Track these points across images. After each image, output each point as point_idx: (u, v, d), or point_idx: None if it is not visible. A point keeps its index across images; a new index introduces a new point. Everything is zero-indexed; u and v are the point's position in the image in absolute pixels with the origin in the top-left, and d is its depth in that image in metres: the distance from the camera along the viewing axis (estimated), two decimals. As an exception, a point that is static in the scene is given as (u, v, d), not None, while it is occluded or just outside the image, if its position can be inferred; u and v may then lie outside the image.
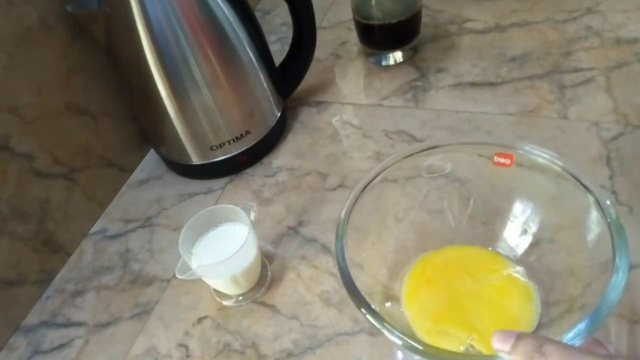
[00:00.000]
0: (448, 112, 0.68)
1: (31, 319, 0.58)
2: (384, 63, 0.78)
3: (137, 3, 0.54)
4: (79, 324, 0.57)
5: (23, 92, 0.56)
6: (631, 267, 0.48)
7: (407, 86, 0.74)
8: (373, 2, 0.73)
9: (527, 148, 0.44)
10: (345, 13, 0.89)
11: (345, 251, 0.41)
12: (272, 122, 0.69)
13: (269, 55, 0.68)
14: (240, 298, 0.54)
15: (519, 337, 0.32)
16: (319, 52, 0.79)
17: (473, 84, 0.71)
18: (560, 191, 0.44)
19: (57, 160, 0.61)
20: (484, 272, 0.47)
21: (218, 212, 0.53)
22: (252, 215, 0.52)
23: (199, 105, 0.61)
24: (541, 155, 0.44)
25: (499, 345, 0.32)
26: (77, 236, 0.65)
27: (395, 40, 0.76)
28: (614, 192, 0.55)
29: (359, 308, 0.37)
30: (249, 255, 0.51)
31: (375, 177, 0.46)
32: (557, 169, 0.43)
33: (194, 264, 0.50)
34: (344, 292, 0.39)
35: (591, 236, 0.41)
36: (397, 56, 0.78)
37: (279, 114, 0.70)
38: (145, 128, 0.69)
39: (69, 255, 0.64)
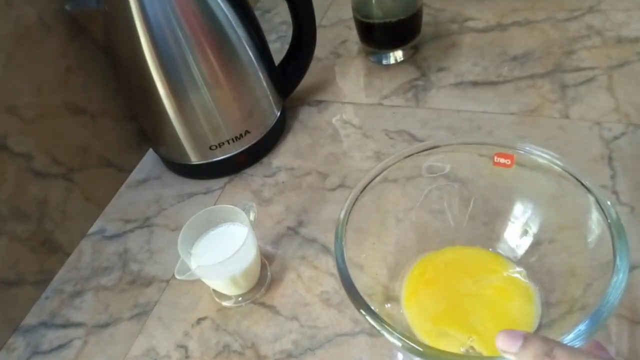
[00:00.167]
0: (449, 112, 0.68)
1: (30, 320, 0.58)
2: (384, 62, 0.78)
3: (136, 2, 0.53)
4: (77, 325, 0.56)
5: (22, 92, 0.56)
6: (632, 268, 0.48)
7: (407, 85, 0.74)
8: (373, 1, 0.72)
9: (527, 148, 0.44)
10: (346, 11, 0.89)
11: (345, 252, 0.41)
12: (271, 121, 0.69)
13: (268, 54, 0.68)
14: (240, 299, 0.54)
15: (527, 339, 0.30)
16: (319, 51, 0.79)
17: (474, 83, 0.71)
18: (561, 191, 0.43)
19: (55, 160, 0.61)
20: (484, 273, 0.47)
21: (217, 212, 0.53)
22: (252, 216, 0.52)
23: (198, 105, 0.61)
24: (542, 156, 0.43)
25: (506, 346, 0.31)
26: (76, 236, 0.65)
27: (395, 39, 0.76)
28: (615, 192, 0.54)
29: (358, 309, 0.37)
30: (249, 255, 0.50)
31: (375, 177, 0.46)
32: (558, 169, 0.43)
33: (193, 264, 0.50)
34: (344, 292, 0.39)
35: (592, 237, 0.41)
36: (397, 55, 0.77)
37: (279, 114, 0.70)
38: (144, 127, 0.69)
39: (68, 255, 0.63)
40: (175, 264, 0.48)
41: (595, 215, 0.40)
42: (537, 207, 0.47)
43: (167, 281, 0.58)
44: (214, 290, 0.55)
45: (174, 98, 0.60)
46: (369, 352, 0.48)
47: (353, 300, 0.38)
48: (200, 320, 0.54)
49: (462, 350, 0.42)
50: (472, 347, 0.42)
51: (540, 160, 0.44)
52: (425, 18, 0.80)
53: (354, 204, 0.44)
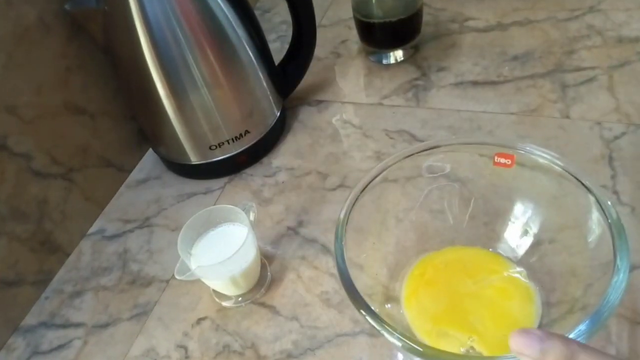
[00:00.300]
0: (449, 112, 0.68)
1: (30, 320, 0.58)
2: (384, 62, 0.78)
3: (135, 2, 0.53)
4: (77, 325, 0.56)
5: (21, 92, 0.56)
6: (632, 268, 0.47)
7: (408, 85, 0.74)
8: (373, 1, 0.72)
9: (528, 148, 0.44)
10: (346, 11, 0.89)
11: (345, 252, 0.41)
12: (271, 121, 0.69)
13: (268, 54, 0.68)
14: (240, 299, 0.54)
15: (546, 341, 0.27)
16: (319, 51, 0.79)
17: (474, 83, 0.71)
18: (561, 191, 0.43)
19: (55, 160, 0.61)
20: (484, 273, 0.47)
21: (217, 213, 0.53)
22: (252, 216, 0.52)
23: (198, 105, 0.61)
24: (542, 156, 0.43)
25: (522, 348, 0.28)
26: (76, 236, 0.65)
27: (396, 39, 0.76)
28: (615, 192, 0.54)
29: (358, 309, 0.37)
30: (249, 255, 0.50)
31: (375, 177, 0.46)
32: (558, 169, 0.43)
33: (193, 264, 0.50)
34: (344, 292, 0.39)
35: (592, 237, 0.40)
36: (397, 55, 0.77)
37: (279, 114, 0.70)
38: (144, 127, 0.69)
39: (67, 255, 0.63)
40: (175, 264, 0.48)
41: (595, 215, 0.40)
42: (537, 207, 0.47)
43: (167, 281, 0.58)
44: (213, 291, 0.55)
45: (174, 98, 0.59)
46: (369, 352, 0.48)
47: (353, 300, 0.38)
48: (200, 320, 0.54)
49: (462, 350, 0.42)
50: (472, 347, 0.42)
51: (541, 160, 0.44)
52: (426, 18, 0.79)
53: (354, 204, 0.44)
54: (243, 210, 0.51)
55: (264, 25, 0.68)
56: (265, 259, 0.57)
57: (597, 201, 0.39)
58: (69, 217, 0.63)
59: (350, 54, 0.82)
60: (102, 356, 0.53)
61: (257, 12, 0.87)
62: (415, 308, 0.46)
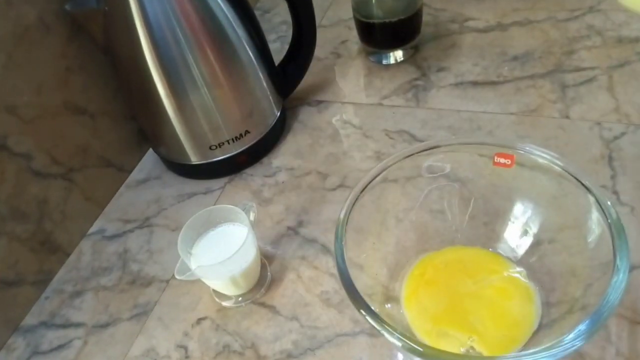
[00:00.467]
0: (449, 112, 0.68)
1: (30, 320, 0.58)
2: (384, 62, 0.78)
3: (136, 2, 0.53)
4: (77, 325, 0.56)
5: (21, 92, 0.56)
6: (632, 268, 0.48)
7: (407, 85, 0.74)
8: (373, 1, 0.72)
9: (527, 148, 0.44)
10: (346, 11, 0.89)
11: (345, 252, 0.41)
12: (271, 121, 0.69)
13: (268, 54, 0.68)
14: (240, 299, 0.54)
15: None
16: (319, 51, 0.79)
17: (474, 83, 0.71)
18: (561, 191, 0.43)
19: (55, 160, 0.61)
20: (484, 273, 0.47)
21: (217, 213, 0.53)
22: (252, 216, 0.52)
23: (198, 105, 0.61)
24: (542, 156, 0.43)
25: None
26: (76, 236, 0.65)
27: (395, 39, 0.76)
28: (615, 192, 0.54)
29: (358, 309, 0.37)
30: (249, 255, 0.50)
31: (375, 177, 0.46)
32: (558, 169, 0.43)
33: (193, 264, 0.50)
34: (344, 292, 0.39)
35: (592, 237, 0.41)
36: (397, 55, 0.77)
37: (279, 114, 0.70)
38: (144, 127, 0.69)
39: (68, 255, 0.63)
40: (175, 264, 0.48)
41: (595, 215, 0.40)
42: (537, 207, 0.47)
43: (167, 281, 0.58)
44: (214, 290, 0.55)
45: (174, 98, 0.60)
46: (369, 352, 0.48)
47: (353, 300, 0.38)
48: (200, 320, 0.54)
49: (462, 350, 0.42)
50: (472, 347, 0.42)
51: (541, 160, 0.44)
52: (425, 18, 0.80)
53: (354, 204, 0.44)
54: (243, 210, 0.51)
55: (264, 26, 0.68)
56: (265, 259, 0.57)
57: (597, 201, 0.40)
58: (69, 217, 0.63)
59: (350, 54, 0.82)
60: (102, 356, 0.53)
61: (257, 13, 0.87)
62: (415, 308, 0.46)
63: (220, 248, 0.51)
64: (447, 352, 0.35)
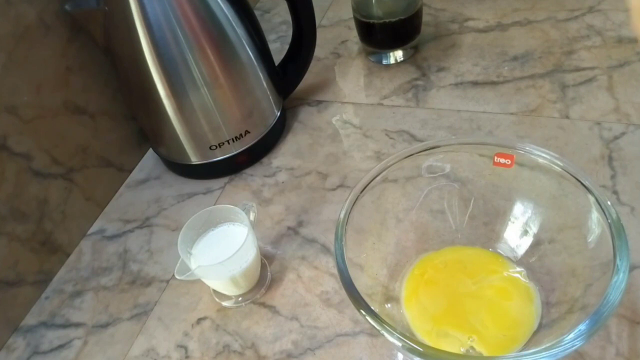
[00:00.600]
0: (449, 112, 0.68)
1: (30, 320, 0.58)
2: (384, 62, 0.78)
3: (135, 2, 0.53)
4: (77, 325, 0.56)
5: (21, 92, 0.56)
6: (632, 268, 0.48)
7: (407, 85, 0.74)
8: (373, 1, 0.72)
9: (527, 148, 0.44)
10: (346, 11, 0.89)
11: (345, 252, 0.41)
12: (271, 121, 0.69)
13: (268, 54, 0.68)
14: (240, 299, 0.54)
15: None
16: (319, 51, 0.79)
17: (474, 83, 0.71)
18: (561, 191, 0.43)
19: (55, 160, 0.61)
20: (484, 273, 0.47)
21: (217, 213, 0.53)
22: (252, 216, 0.52)
23: (198, 105, 0.61)
24: (542, 156, 0.43)
25: None
26: (76, 236, 0.65)
27: (395, 39, 0.76)
28: (615, 192, 0.54)
29: (358, 309, 0.37)
30: (249, 255, 0.50)
31: (375, 177, 0.46)
32: (558, 169, 0.43)
33: (193, 264, 0.50)
34: (344, 292, 0.39)
35: (592, 237, 0.41)
36: (397, 55, 0.77)
37: (279, 114, 0.70)
38: (144, 127, 0.69)
39: (68, 255, 0.63)
40: (175, 264, 0.48)
41: (595, 215, 0.40)
42: (537, 207, 0.47)
43: (167, 281, 0.58)
44: (214, 291, 0.55)
45: (173, 98, 0.60)
46: (369, 352, 0.48)
47: (353, 300, 0.38)
48: (200, 320, 0.54)
49: (462, 350, 0.42)
50: (472, 347, 0.42)
51: (540, 160, 0.44)
52: (425, 18, 0.80)
53: (354, 204, 0.44)
54: (243, 210, 0.51)
55: (264, 26, 0.68)
56: (265, 259, 0.57)
57: (597, 201, 0.40)
58: (69, 217, 0.63)
59: (350, 54, 0.82)
60: (102, 356, 0.53)
61: (257, 13, 0.87)
62: (415, 308, 0.46)
63: (220, 248, 0.51)
64: (447, 352, 0.35)
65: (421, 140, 0.66)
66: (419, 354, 0.35)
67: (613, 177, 0.56)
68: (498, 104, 0.67)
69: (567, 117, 0.63)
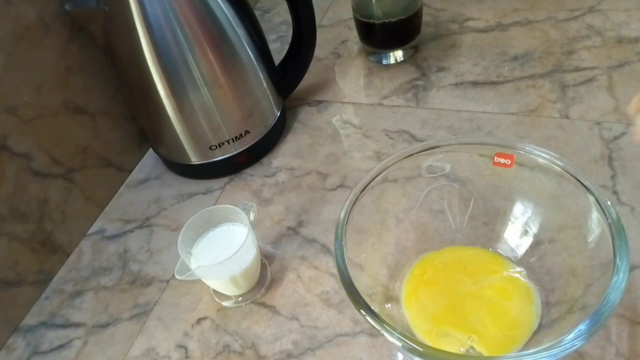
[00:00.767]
0: (449, 112, 0.68)
1: (30, 320, 0.58)
2: (384, 62, 0.78)
3: (135, 2, 0.53)
4: (77, 325, 0.56)
5: (21, 92, 0.56)
6: (632, 268, 0.48)
7: (407, 85, 0.74)
8: (373, 1, 0.72)
9: (527, 148, 0.44)
10: (346, 11, 0.89)
11: (345, 252, 0.41)
12: (271, 121, 0.69)
13: (268, 54, 0.68)
14: (240, 299, 0.54)
15: None
16: (319, 51, 0.79)
17: (474, 83, 0.71)
18: (561, 191, 0.43)
19: (55, 160, 0.61)
20: (484, 273, 0.47)
21: (217, 213, 0.53)
22: (252, 216, 0.52)
23: (198, 105, 0.61)
24: (542, 156, 0.43)
25: None
26: (76, 236, 0.65)
27: (396, 39, 0.76)
28: (615, 192, 0.54)
29: (358, 309, 0.37)
30: (249, 255, 0.50)
31: (375, 177, 0.46)
32: (558, 169, 0.43)
33: (193, 264, 0.50)
34: (344, 292, 0.39)
35: (592, 237, 0.41)
36: (397, 55, 0.77)
37: (279, 114, 0.70)
38: (144, 127, 0.69)
39: (68, 255, 0.63)
40: (175, 264, 0.48)
41: (595, 215, 0.40)
42: (537, 207, 0.47)
43: (167, 281, 0.58)
44: (214, 291, 0.55)
45: (173, 98, 0.60)
46: (369, 352, 0.48)
47: (353, 300, 0.38)
48: (200, 320, 0.54)
49: (462, 350, 0.42)
50: (472, 347, 0.42)
51: (540, 160, 0.44)
52: (425, 18, 0.80)
53: (354, 204, 0.44)
54: (243, 210, 0.51)
55: (264, 26, 0.68)
56: (265, 259, 0.57)
57: (597, 201, 0.40)
58: (69, 217, 0.63)
59: (350, 54, 0.82)
60: (102, 356, 0.53)
61: (257, 13, 0.87)
62: (415, 308, 0.46)
63: (220, 248, 0.51)
64: (447, 352, 0.35)
65: (421, 140, 0.66)
66: (419, 354, 0.35)
67: (613, 177, 0.56)
68: (498, 104, 0.67)
69: (567, 117, 0.63)
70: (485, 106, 0.67)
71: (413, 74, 0.75)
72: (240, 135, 0.65)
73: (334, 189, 0.63)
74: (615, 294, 0.34)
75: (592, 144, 0.60)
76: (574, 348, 0.33)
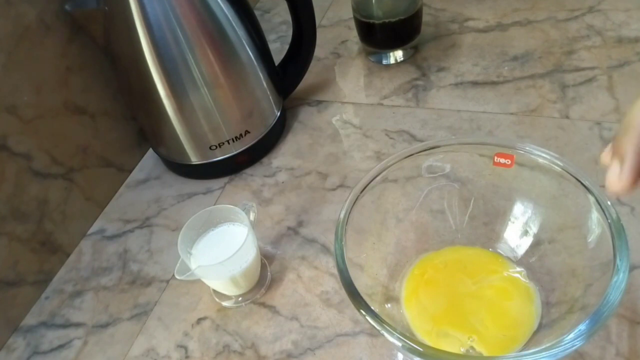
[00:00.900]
0: (449, 112, 0.68)
1: (30, 320, 0.58)
2: (384, 62, 0.78)
3: (135, 2, 0.53)
4: (77, 325, 0.56)
5: (21, 92, 0.56)
6: (632, 268, 0.48)
7: (407, 85, 0.74)
8: (373, 1, 0.72)
9: (527, 148, 0.44)
10: (346, 11, 0.89)
11: (345, 252, 0.41)
12: (271, 121, 0.69)
13: (268, 54, 0.68)
14: (240, 299, 0.54)
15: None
16: (319, 51, 0.79)
17: (474, 83, 0.71)
18: (561, 191, 0.43)
19: (55, 160, 0.61)
20: (484, 273, 0.47)
21: (217, 213, 0.53)
22: (252, 216, 0.52)
23: (198, 105, 0.61)
24: (542, 156, 0.43)
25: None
26: (76, 236, 0.65)
27: (396, 39, 0.76)
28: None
29: (358, 309, 0.37)
30: (249, 255, 0.50)
31: (375, 177, 0.46)
32: (558, 169, 0.43)
33: (193, 264, 0.50)
34: (344, 292, 0.39)
35: (592, 237, 0.41)
36: (397, 55, 0.77)
37: (279, 114, 0.70)
38: (144, 128, 0.69)
39: (68, 255, 0.63)
40: (175, 264, 0.48)
41: (595, 215, 0.40)
42: (537, 207, 0.47)
43: (167, 281, 0.58)
44: (214, 291, 0.55)
45: (173, 98, 0.60)
46: (369, 352, 0.48)
47: (353, 300, 0.38)
48: (200, 320, 0.54)
49: (462, 350, 0.42)
50: (472, 347, 0.42)
51: (540, 160, 0.44)
52: (425, 18, 0.80)
53: (354, 204, 0.44)
54: (243, 210, 0.51)
55: (264, 26, 0.68)
56: (265, 259, 0.57)
57: (597, 201, 0.39)
58: (69, 217, 0.63)
59: (350, 54, 0.82)
60: (102, 356, 0.53)
61: (257, 13, 0.87)
62: (415, 308, 0.46)
63: (220, 248, 0.51)
64: (447, 352, 0.35)
65: (421, 140, 0.66)
66: (419, 354, 0.35)
67: (613, 177, 0.56)
68: (498, 104, 0.67)
69: (567, 117, 0.63)
70: (485, 106, 0.67)
71: (413, 74, 0.75)
72: (240, 135, 0.65)
73: (334, 189, 0.63)
74: (615, 294, 0.34)
75: (592, 144, 0.60)
76: (574, 348, 0.33)
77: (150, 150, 0.74)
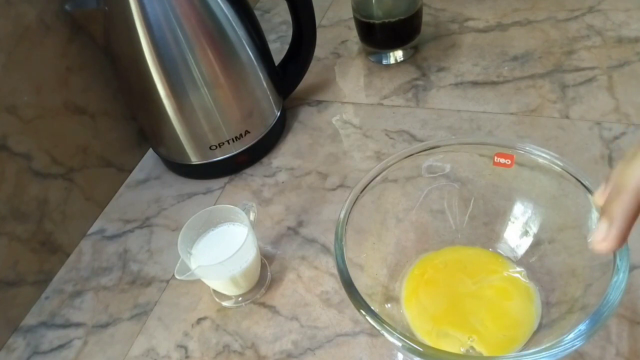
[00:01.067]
0: (449, 112, 0.68)
1: (30, 320, 0.58)
2: (384, 62, 0.78)
3: (135, 2, 0.53)
4: (77, 325, 0.56)
5: (21, 92, 0.56)
6: (632, 268, 0.48)
7: (407, 85, 0.74)
8: (373, 1, 0.72)
9: (527, 148, 0.44)
10: (346, 11, 0.89)
11: (345, 252, 0.41)
12: (271, 121, 0.69)
13: (268, 54, 0.68)
14: (240, 299, 0.54)
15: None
16: (319, 51, 0.79)
17: (474, 83, 0.71)
18: (561, 191, 0.43)
19: (55, 160, 0.61)
20: (484, 273, 0.47)
21: (217, 213, 0.53)
22: (252, 216, 0.52)
23: (198, 105, 0.61)
24: (542, 156, 0.43)
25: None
26: (76, 236, 0.65)
27: (396, 39, 0.76)
28: (615, 192, 0.54)
29: (358, 309, 0.37)
30: (249, 255, 0.50)
31: (375, 177, 0.46)
32: (558, 169, 0.43)
33: (193, 264, 0.50)
34: (344, 292, 0.39)
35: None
36: (397, 55, 0.77)
37: (279, 114, 0.70)
38: (144, 128, 0.69)
39: (68, 255, 0.63)
40: (175, 264, 0.48)
41: (595, 215, 0.40)
42: (537, 207, 0.47)
43: (167, 281, 0.58)
44: (214, 291, 0.55)
45: (173, 98, 0.60)
46: (369, 352, 0.48)
47: (353, 300, 0.38)
48: (200, 320, 0.54)
49: (462, 350, 0.42)
50: (472, 347, 0.42)
51: (540, 160, 0.44)
52: (425, 18, 0.80)
53: (354, 204, 0.44)
54: (243, 210, 0.51)
55: (264, 26, 0.68)
56: (266, 259, 0.57)
57: (597, 201, 0.39)
58: (69, 217, 0.63)
59: (350, 54, 0.82)
60: (102, 356, 0.53)
61: (257, 13, 0.87)
62: (415, 308, 0.46)
63: (220, 248, 0.51)
64: (447, 352, 0.35)
65: (421, 140, 0.66)
66: (419, 354, 0.35)
67: (613, 177, 0.56)
68: (498, 104, 0.67)
69: (567, 117, 0.63)
70: (485, 106, 0.67)
71: (413, 74, 0.75)
72: (240, 135, 0.65)
73: (334, 189, 0.63)
74: (615, 294, 0.34)
75: (592, 144, 0.60)
76: (574, 348, 0.33)
77: (150, 150, 0.74)
